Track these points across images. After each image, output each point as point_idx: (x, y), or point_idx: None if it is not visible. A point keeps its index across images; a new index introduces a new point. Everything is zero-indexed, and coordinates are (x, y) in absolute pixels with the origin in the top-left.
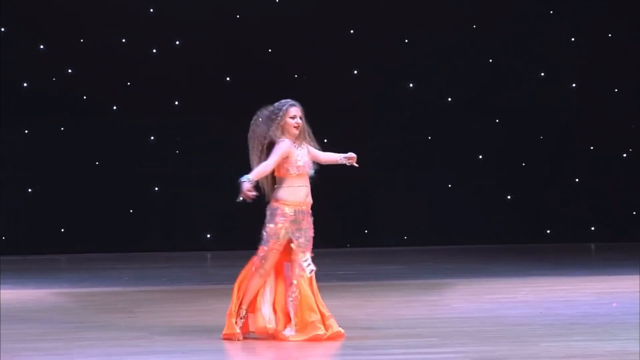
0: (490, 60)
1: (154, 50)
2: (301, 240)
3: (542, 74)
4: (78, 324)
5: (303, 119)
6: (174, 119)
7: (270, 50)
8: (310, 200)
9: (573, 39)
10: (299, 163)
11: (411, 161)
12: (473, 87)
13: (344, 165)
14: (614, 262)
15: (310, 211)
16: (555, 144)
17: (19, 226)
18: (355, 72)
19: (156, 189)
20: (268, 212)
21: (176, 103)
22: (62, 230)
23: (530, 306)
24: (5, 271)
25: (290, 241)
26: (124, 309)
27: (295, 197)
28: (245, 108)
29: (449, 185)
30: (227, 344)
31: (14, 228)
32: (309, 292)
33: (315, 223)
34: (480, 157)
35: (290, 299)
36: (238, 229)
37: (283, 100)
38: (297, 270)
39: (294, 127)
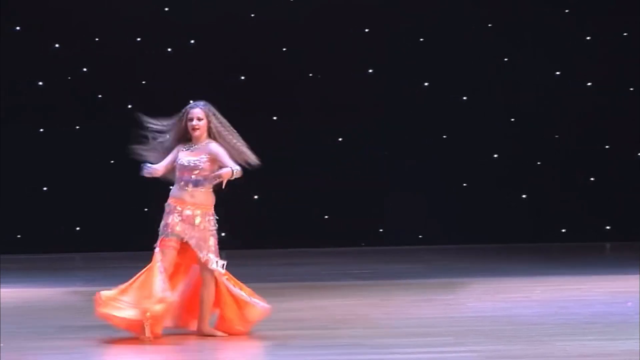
0: (506, 59)
1: (169, 49)
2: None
3: (558, 73)
4: (91, 323)
5: (206, 120)
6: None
7: (284, 49)
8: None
9: (588, 38)
10: (178, 167)
11: (426, 160)
12: (488, 86)
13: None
14: (628, 262)
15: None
16: (570, 143)
17: (33, 224)
18: (370, 71)
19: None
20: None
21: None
22: (77, 228)
23: (545, 305)
24: (20, 269)
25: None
26: None
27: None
28: (260, 107)
29: (464, 184)
30: (240, 342)
31: (29, 226)
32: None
33: (329, 221)
34: (495, 156)
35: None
36: (253, 227)
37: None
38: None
39: (190, 128)
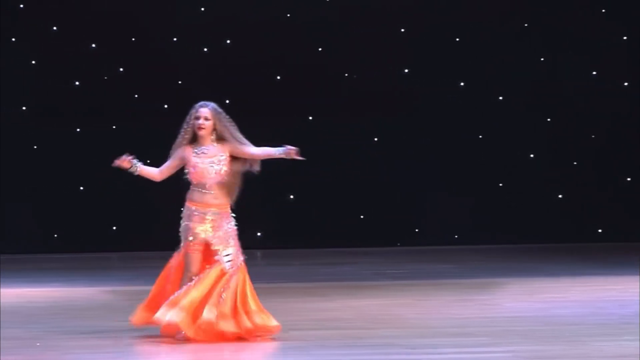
0: (542, 59)
1: (205, 50)
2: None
3: (594, 73)
4: (128, 322)
5: (213, 120)
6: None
7: (320, 49)
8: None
9: (625, 38)
10: (193, 172)
11: (462, 159)
12: (524, 86)
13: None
14: None
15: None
16: (606, 142)
17: (70, 224)
18: (406, 70)
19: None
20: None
21: (227, 102)
22: (114, 228)
23: (582, 306)
24: (57, 269)
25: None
26: None
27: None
28: (295, 106)
29: (500, 184)
30: (281, 342)
31: (66, 226)
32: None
33: (365, 221)
34: (532, 156)
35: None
36: (287, 227)
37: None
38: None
39: (197, 128)
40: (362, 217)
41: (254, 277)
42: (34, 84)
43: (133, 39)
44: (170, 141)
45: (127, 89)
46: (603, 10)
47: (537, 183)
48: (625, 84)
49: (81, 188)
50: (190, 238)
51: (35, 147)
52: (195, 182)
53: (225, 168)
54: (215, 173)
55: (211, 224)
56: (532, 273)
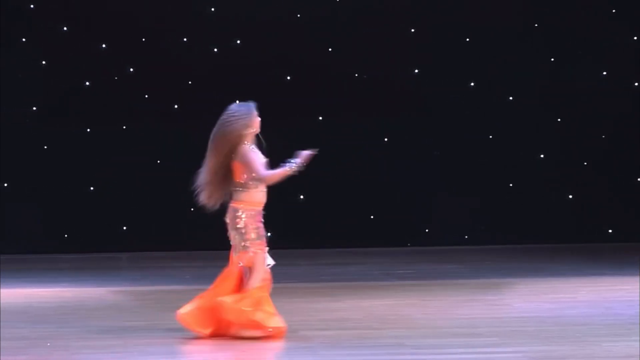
0: (552, 59)
1: (215, 50)
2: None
3: (604, 73)
4: (137, 322)
5: None
6: None
7: (330, 50)
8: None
9: (635, 38)
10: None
11: (472, 160)
12: (534, 86)
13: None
14: None
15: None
16: (616, 143)
17: (80, 224)
18: (416, 71)
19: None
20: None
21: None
22: (124, 228)
23: (591, 306)
24: (67, 269)
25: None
26: None
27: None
28: (305, 107)
29: (510, 185)
30: (289, 342)
31: (75, 226)
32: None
33: (375, 222)
34: (542, 156)
35: None
36: (297, 227)
37: (246, 103)
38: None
39: (258, 127)
40: (372, 217)
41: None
42: (44, 84)
43: (143, 39)
44: (180, 140)
45: (137, 89)
46: (613, 11)
47: (547, 183)
48: (636, 84)
49: (91, 188)
50: (261, 238)
51: (45, 147)
52: (255, 183)
53: None
54: None
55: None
56: (541, 273)
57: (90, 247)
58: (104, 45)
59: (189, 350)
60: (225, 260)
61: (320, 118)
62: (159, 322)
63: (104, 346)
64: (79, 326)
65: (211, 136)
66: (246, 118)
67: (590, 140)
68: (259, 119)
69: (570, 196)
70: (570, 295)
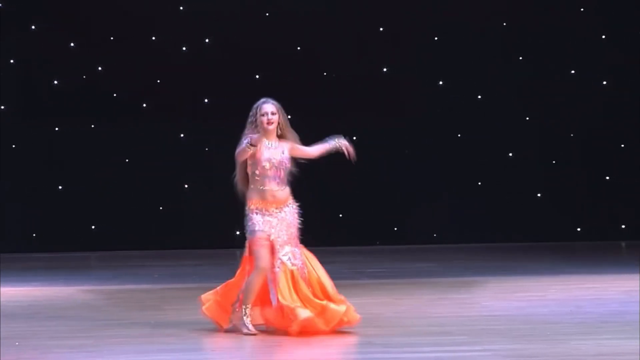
0: (520, 58)
1: (184, 48)
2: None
3: (573, 72)
4: (107, 321)
5: (278, 115)
6: (203, 116)
7: (299, 48)
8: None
9: (604, 37)
10: (265, 164)
11: (441, 158)
12: (503, 85)
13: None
14: None
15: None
16: (585, 141)
17: (49, 223)
18: (385, 69)
19: (186, 186)
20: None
21: (206, 101)
22: (93, 227)
23: (560, 304)
24: (36, 268)
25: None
26: (154, 306)
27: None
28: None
29: (479, 183)
30: (254, 341)
31: (45, 225)
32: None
33: (344, 220)
34: (510, 154)
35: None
36: None
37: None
38: (277, 263)
39: (265, 123)
40: (340, 215)
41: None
42: (13, 83)
43: (112, 38)
44: (149, 139)
45: (106, 88)
46: (581, 9)
47: (516, 182)
48: (604, 82)
49: (60, 187)
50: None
51: (13, 146)
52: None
53: (287, 164)
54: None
55: None
56: (511, 271)
57: (60, 246)
58: (72, 44)
59: (159, 349)
60: (193, 259)
61: (289, 117)
62: (129, 321)
63: (75, 345)
64: (49, 325)
65: None
66: (249, 117)
67: (560, 139)
68: (264, 112)
69: (539, 194)
70: (540, 294)
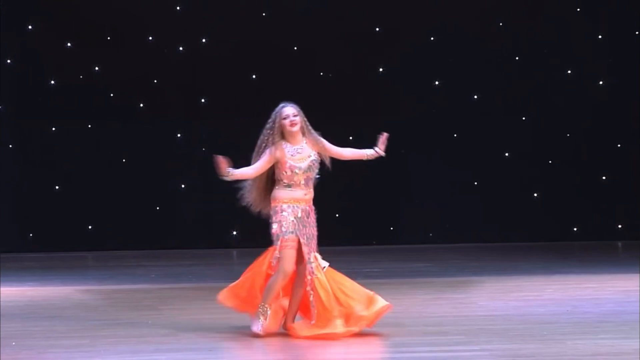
0: (517, 58)
1: (181, 48)
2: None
3: (569, 72)
4: (104, 321)
5: (299, 116)
6: (200, 116)
7: (295, 48)
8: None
9: (600, 37)
10: (288, 172)
11: (437, 158)
12: (499, 85)
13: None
14: None
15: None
16: (582, 141)
17: (46, 223)
18: (381, 69)
19: (183, 186)
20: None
21: (202, 101)
22: (89, 227)
23: (557, 304)
24: (32, 268)
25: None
26: (150, 306)
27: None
28: (272, 106)
29: (475, 183)
30: (252, 342)
31: (41, 225)
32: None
33: (340, 220)
34: (507, 154)
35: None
36: (264, 226)
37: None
38: (308, 268)
39: (289, 125)
40: (336, 215)
41: (230, 277)
42: (10, 83)
43: (109, 38)
44: (146, 139)
45: (102, 88)
46: (578, 9)
47: (512, 182)
48: (601, 82)
49: (57, 187)
50: None
51: (10, 146)
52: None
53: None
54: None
55: None
56: (508, 272)
57: (56, 246)
58: (69, 44)
59: (156, 349)
60: (190, 259)
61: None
62: (125, 321)
63: (71, 345)
64: (46, 325)
65: None
66: (269, 122)
67: (556, 139)
68: (285, 115)
69: (536, 194)
70: (537, 294)
